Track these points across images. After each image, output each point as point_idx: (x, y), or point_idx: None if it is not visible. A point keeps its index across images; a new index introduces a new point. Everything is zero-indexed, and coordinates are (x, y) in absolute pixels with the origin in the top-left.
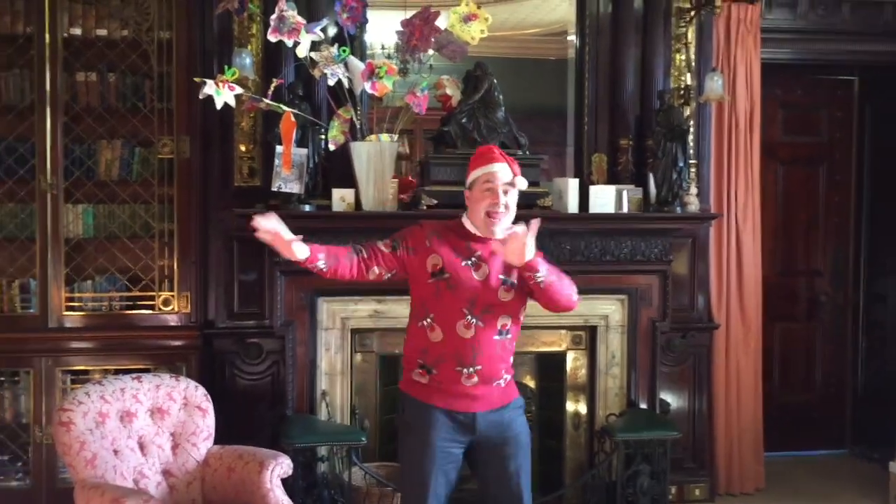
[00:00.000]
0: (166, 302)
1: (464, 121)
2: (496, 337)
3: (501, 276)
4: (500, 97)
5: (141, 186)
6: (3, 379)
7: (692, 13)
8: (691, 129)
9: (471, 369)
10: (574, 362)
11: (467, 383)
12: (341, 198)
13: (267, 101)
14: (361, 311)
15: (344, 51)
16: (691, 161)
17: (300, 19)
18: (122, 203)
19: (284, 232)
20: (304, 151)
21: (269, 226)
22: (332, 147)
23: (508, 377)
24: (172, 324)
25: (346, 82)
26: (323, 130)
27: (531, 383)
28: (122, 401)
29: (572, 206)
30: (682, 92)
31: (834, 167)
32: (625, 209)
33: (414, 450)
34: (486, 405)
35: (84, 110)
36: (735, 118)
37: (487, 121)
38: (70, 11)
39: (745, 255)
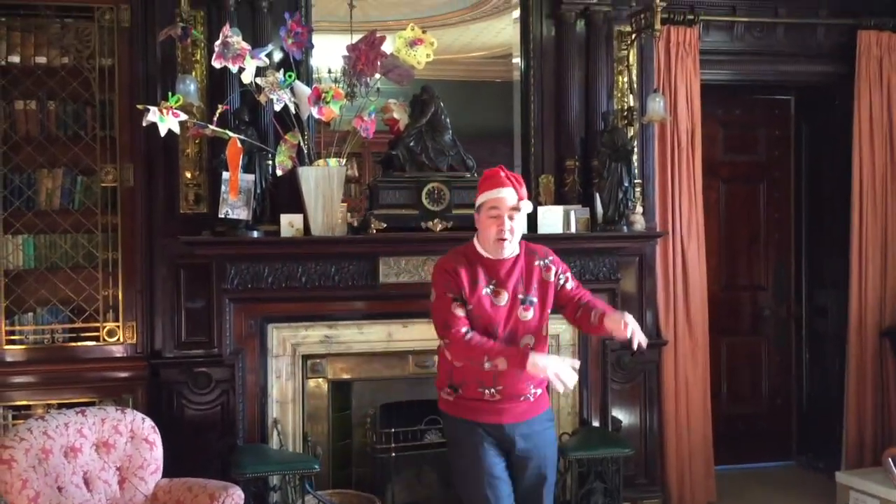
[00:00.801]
0: (111, 333)
1: (412, 144)
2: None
3: (520, 297)
4: (448, 120)
5: (83, 215)
6: None
7: (633, 36)
8: (635, 150)
9: (492, 390)
10: None
11: (491, 401)
12: (290, 223)
13: (212, 127)
14: (312, 336)
15: (290, 76)
16: (636, 180)
17: (245, 45)
18: (64, 233)
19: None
20: (251, 177)
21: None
22: (279, 172)
23: (539, 391)
24: (118, 355)
25: (292, 107)
26: (270, 156)
27: None
28: (66, 436)
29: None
30: (625, 113)
31: (773, 184)
32: (573, 229)
33: (460, 457)
34: (511, 417)
35: (23, 139)
36: (677, 138)
37: (435, 143)
38: (8, 39)
39: (691, 271)
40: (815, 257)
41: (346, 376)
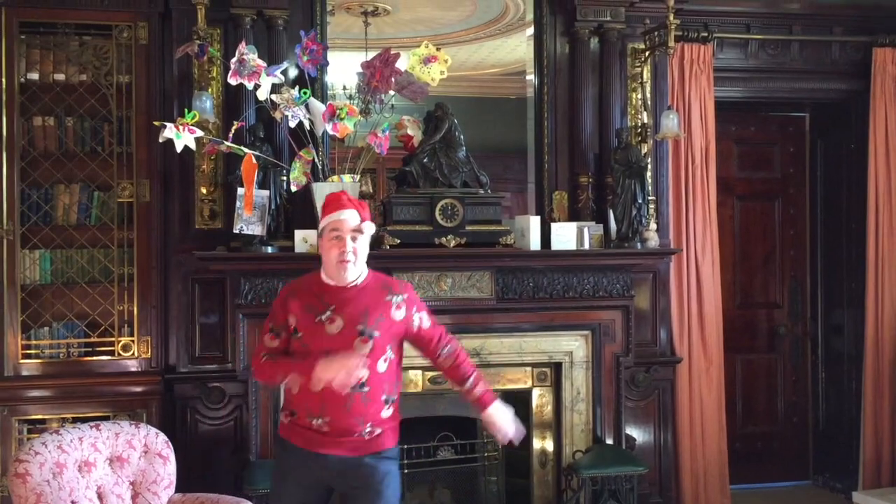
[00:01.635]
0: (126, 347)
1: (425, 160)
2: (347, 391)
3: (359, 327)
4: (461, 136)
5: (100, 231)
6: None
7: (647, 53)
8: (649, 166)
9: (319, 420)
10: (539, 399)
11: (319, 430)
12: (304, 239)
13: (228, 143)
14: None
15: (305, 93)
16: (650, 197)
17: (260, 62)
18: (81, 248)
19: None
20: (265, 193)
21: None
22: (294, 188)
23: (377, 430)
24: (132, 369)
25: (307, 124)
26: (285, 172)
27: None
28: (81, 450)
29: (534, 243)
30: (639, 130)
31: (789, 201)
32: (586, 246)
33: (275, 482)
34: (339, 450)
35: (41, 155)
36: (691, 155)
37: (449, 160)
38: (27, 56)
39: (705, 288)
40: (831, 275)
41: None
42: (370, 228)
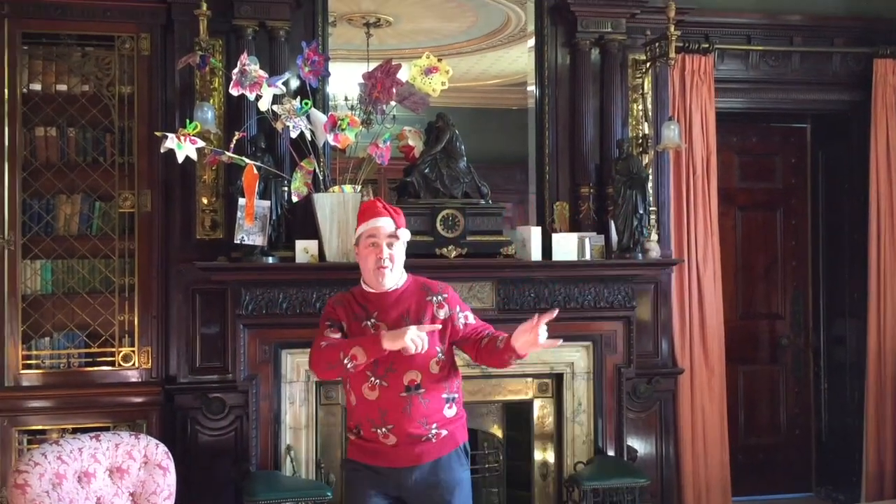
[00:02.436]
0: (126, 358)
1: (426, 171)
2: (403, 394)
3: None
4: (462, 147)
5: (101, 241)
6: None
7: (648, 64)
8: (650, 177)
9: (383, 429)
10: (541, 410)
11: (386, 442)
12: (305, 249)
13: (229, 153)
14: None
15: (306, 104)
16: (651, 208)
17: (262, 73)
18: (82, 258)
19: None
20: (266, 203)
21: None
22: (295, 199)
23: (443, 432)
24: (133, 380)
25: (308, 134)
26: (286, 182)
27: (498, 433)
28: (80, 461)
29: (535, 254)
30: (640, 140)
31: (790, 212)
32: (587, 256)
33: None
34: (408, 461)
35: (43, 165)
36: (692, 165)
37: (450, 170)
38: (30, 67)
39: (707, 299)
40: (833, 286)
41: None
42: (406, 235)
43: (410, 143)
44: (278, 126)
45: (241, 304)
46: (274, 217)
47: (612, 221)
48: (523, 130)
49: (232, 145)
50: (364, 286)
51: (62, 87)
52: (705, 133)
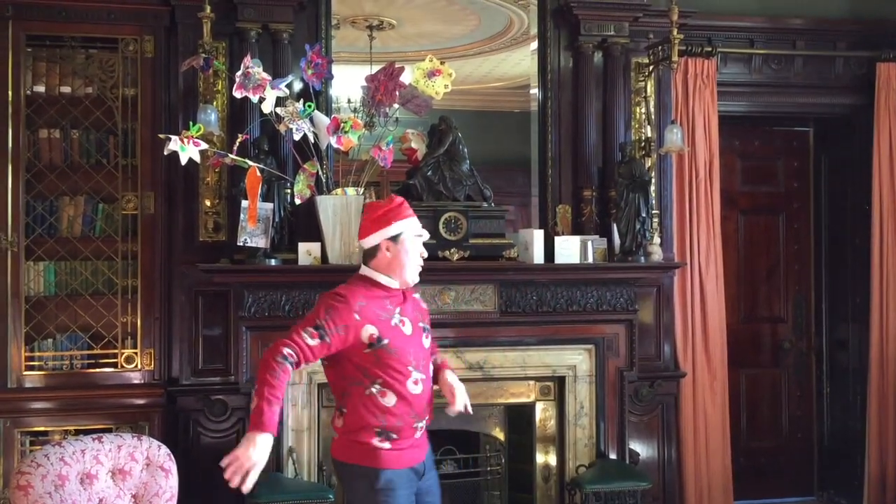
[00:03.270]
0: (129, 359)
1: (429, 173)
2: (434, 386)
3: (421, 325)
4: (465, 150)
5: (104, 243)
6: None
7: (650, 68)
8: (653, 180)
9: (422, 423)
10: (543, 413)
11: (418, 436)
12: (307, 251)
13: (232, 156)
14: None
15: (309, 106)
16: (653, 211)
17: (265, 75)
18: (85, 260)
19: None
20: (269, 206)
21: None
22: (297, 201)
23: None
24: (135, 382)
25: (311, 137)
26: (289, 185)
27: (500, 435)
28: (83, 462)
29: (538, 256)
30: (642, 144)
31: (793, 215)
32: (590, 259)
33: None
34: (425, 451)
35: (46, 167)
36: (695, 169)
37: (452, 173)
38: (33, 69)
39: (709, 302)
40: (836, 289)
41: None
42: (426, 234)
43: (413, 145)
44: (281, 128)
45: (243, 306)
46: (277, 219)
47: (615, 225)
48: (526, 133)
49: (235, 148)
50: (384, 280)
51: (66, 89)
52: (708, 136)
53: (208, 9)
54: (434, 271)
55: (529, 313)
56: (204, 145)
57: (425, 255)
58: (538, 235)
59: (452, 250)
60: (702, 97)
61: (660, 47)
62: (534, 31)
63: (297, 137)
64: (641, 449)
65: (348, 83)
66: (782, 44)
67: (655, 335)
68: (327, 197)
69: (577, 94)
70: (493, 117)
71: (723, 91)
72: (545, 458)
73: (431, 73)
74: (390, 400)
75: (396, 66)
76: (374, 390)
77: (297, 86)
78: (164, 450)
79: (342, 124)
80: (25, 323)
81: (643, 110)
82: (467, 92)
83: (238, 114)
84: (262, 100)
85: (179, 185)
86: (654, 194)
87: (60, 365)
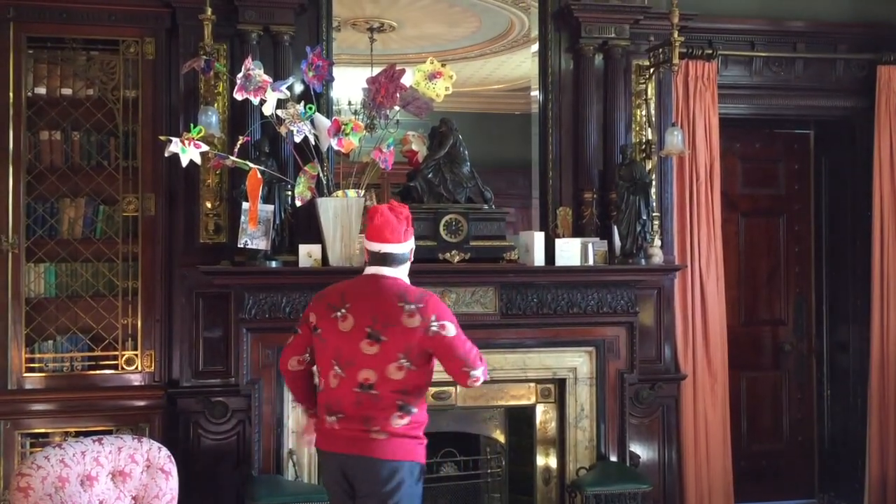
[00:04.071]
0: (129, 361)
1: (430, 176)
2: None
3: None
4: (466, 152)
5: (105, 244)
6: None
7: (651, 70)
8: (653, 183)
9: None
10: (543, 416)
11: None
12: (308, 254)
13: (233, 158)
14: None
15: (310, 108)
16: (654, 213)
17: (266, 78)
18: (86, 261)
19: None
20: (270, 208)
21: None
22: (298, 203)
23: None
24: (136, 383)
25: (312, 139)
26: (289, 187)
27: (501, 437)
28: (83, 464)
29: (538, 259)
30: (643, 146)
31: (793, 218)
32: (590, 262)
33: None
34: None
35: (47, 169)
36: (695, 171)
37: (453, 175)
38: (34, 71)
39: (710, 305)
40: (836, 292)
41: None
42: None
43: (414, 147)
44: (282, 130)
45: (244, 308)
46: (277, 221)
47: (616, 227)
48: (526, 135)
49: (236, 149)
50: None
51: (67, 91)
52: (708, 139)
53: (209, 11)
54: (435, 273)
55: (530, 315)
56: (205, 147)
57: None
58: (539, 237)
59: (453, 252)
60: (702, 99)
61: (660, 50)
62: (534, 33)
63: (297, 139)
64: (642, 451)
65: (349, 85)
66: (783, 46)
67: (656, 337)
68: (328, 199)
69: (578, 97)
70: (494, 119)
71: (723, 93)
72: (545, 460)
73: (432, 76)
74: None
75: (397, 68)
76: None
77: (298, 88)
78: (165, 452)
79: (343, 126)
80: (26, 325)
81: (644, 113)
82: (468, 94)
83: (239, 116)
84: (262, 102)
85: (180, 187)
86: (654, 196)
87: (61, 367)
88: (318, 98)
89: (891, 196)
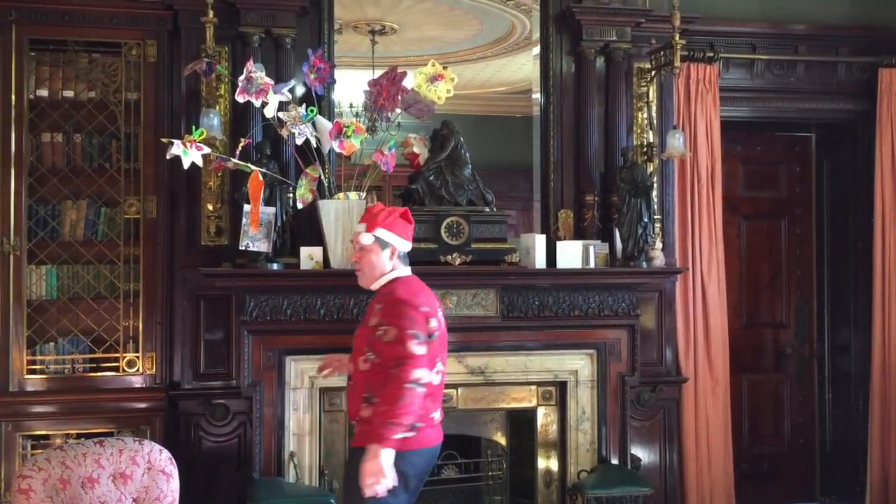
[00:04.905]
0: (131, 363)
1: (431, 178)
2: (350, 381)
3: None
4: (467, 154)
5: (106, 246)
6: None
7: (653, 73)
8: (654, 185)
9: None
10: (545, 418)
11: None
12: (309, 256)
13: (234, 160)
14: None
15: (312, 110)
16: (656, 216)
17: (268, 80)
18: (87, 263)
19: None
20: (271, 210)
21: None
22: (300, 205)
23: (359, 428)
24: (137, 385)
25: (313, 141)
26: (291, 189)
27: (502, 440)
28: (84, 466)
29: (540, 261)
30: (644, 149)
31: (795, 221)
32: (592, 264)
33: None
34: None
35: (49, 171)
36: (697, 174)
37: (454, 178)
38: (37, 73)
39: (711, 307)
40: (838, 294)
41: None
42: (365, 240)
43: (415, 150)
44: (284, 133)
45: (245, 310)
46: (279, 223)
47: (617, 229)
48: (528, 138)
49: (237, 152)
50: None
51: (69, 94)
52: (710, 142)
53: (211, 13)
54: (436, 276)
55: (531, 318)
56: (206, 149)
57: (353, 263)
58: (540, 240)
59: (454, 255)
60: (704, 102)
61: (662, 52)
62: (536, 35)
63: (299, 142)
64: (643, 454)
65: (350, 88)
66: (784, 49)
67: (657, 340)
68: (329, 201)
69: (579, 99)
70: (496, 122)
71: (725, 96)
72: (547, 463)
73: (434, 78)
74: None
75: (399, 70)
76: None
77: (300, 90)
78: (166, 454)
79: (344, 129)
80: (27, 326)
81: (645, 115)
82: (469, 97)
83: (240, 118)
84: (264, 104)
85: (182, 189)
86: (655, 199)
87: (62, 369)
88: (319, 100)
89: (892, 199)
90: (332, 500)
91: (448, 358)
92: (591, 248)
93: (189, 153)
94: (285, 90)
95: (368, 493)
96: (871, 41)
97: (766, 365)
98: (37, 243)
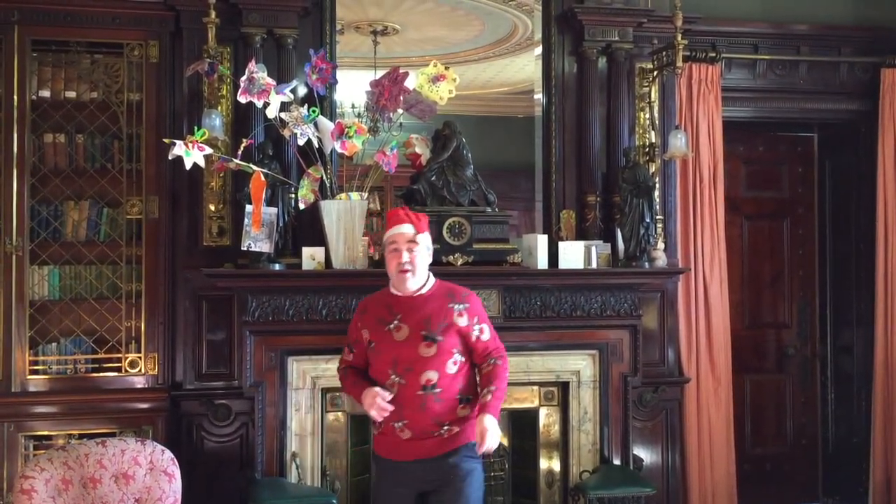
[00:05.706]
0: (133, 364)
1: (433, 178)
2: (419, 392)
3: (423, 333)
4: (469, 155)
5: (108, 247)
6: None
7: (655, 73)
8: (657, 186)
9: (400, 423)
10: (547, 419)
11: (401, 436)
12: (311, 256)
13: (236, 160)
14: (332, 369)
15: (313, 111)
16: (658, 216)
17: (270, 81)
18: (89, 264)
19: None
20: (273, 210)
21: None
22: (301, 206)
23: (455, 428)
24: (139, 386)
25: (315, 142)
26: (293, 189)
27: (504, 441)
28: (86, 466)
29: (542, 262)
30: (646, 149)
31: (797, 221)
32: (594, 265)
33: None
34: (422, 453)
35: (51, 171)
36: (699, 174)
37: (456, 178)
38: (39, 74)
39: (714, 308)
40: (840, 295)
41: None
42: (426, 240)
43: (417, 150)
44: (286, 133)
45: (247, 310)
46: (281, 224)
47: (619, 230)
48: (530, 138)
49: (239, 152)
50: (391, 289)
51: (71, 94)
52: (712, 142)
53: (213, 14)
54: (438, 276)
55: (533, 318)
56: (208, 150)
57: (403, 265)
58: (542, 240)
59: (456, 255)
60: (706, 102)
61: (664, 53)
62: (538, 36)
63: (301, 142)
64: (645, 454)
65: (352, 88)
66: (787, 49)
67: (659, 340)
68: (331, 202)
69: (581, 100)
70: (497, 122)
71: (727, 96)
72: (549, 463)
73: (435, 79)
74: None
75: (400, 71)
76: None
77: (302, 91)
78: (168, 454)
79: (346, 129)
80: (30, 327)
81: (647, 115)
82: (471, 97)
83: (242, 119)
84: (266, 105)
85: (184, 190)
86: (658, 199)
87: (64, 369)
88: (321, 101)
89: (894, 198)
90: (334, 501)
91: None
92: (594, 249)
93: (191, 154)
94: (287, 91)
95: (492, 448)
96: (874, 41)
97: (768, 365)
98: (39, 244)
